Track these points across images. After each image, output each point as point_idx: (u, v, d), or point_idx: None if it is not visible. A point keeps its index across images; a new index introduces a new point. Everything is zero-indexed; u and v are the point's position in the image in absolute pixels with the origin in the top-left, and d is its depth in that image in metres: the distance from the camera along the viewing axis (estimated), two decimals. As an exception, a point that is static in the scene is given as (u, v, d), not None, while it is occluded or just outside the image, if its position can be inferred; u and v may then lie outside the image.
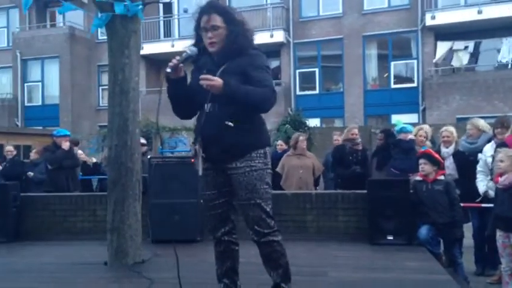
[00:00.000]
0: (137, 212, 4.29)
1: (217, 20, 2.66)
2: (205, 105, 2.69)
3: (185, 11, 20.61)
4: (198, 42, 2.76)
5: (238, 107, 2.59)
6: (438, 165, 4.97)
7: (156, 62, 20.34)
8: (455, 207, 4.76)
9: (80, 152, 8.27)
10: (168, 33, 20.16)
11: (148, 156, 5.86)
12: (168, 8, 20.28)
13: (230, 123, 2.62)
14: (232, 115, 2.62)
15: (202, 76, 2.56)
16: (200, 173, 2.75)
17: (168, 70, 2.64)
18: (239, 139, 2.64)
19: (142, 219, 4.47)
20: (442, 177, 4.90)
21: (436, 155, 5.16)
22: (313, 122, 15.16)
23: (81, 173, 8.22)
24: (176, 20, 20.38)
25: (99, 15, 4.34)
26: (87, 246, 5.18)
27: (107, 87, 4.46)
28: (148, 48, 18.69)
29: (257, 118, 2.77)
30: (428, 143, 6.01)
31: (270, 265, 2.76)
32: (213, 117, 2.66)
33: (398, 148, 5.94)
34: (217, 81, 2.52)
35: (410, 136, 5.97)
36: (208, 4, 2.72)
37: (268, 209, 2.71)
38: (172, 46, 19.60)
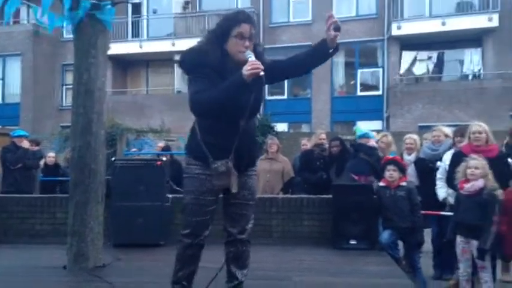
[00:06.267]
0: (99, 215, 4.20)
1: (253, 32, 2.70)
2: (241, 121, 2.69)
3: (154, 12, 20.43)
4: (221, 44, 2.68)
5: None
6: (404, 172, 5.10)
7: (123, 63, 20.04)
8: (416, 213, 4.88)
9: (51, 154, 8.17)
10: (136, 34, 19.90)
11: (112, 158, 5.75)
12: (137, 8, 20.03)
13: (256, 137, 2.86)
14: (255, 128, 2.85)
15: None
16: (236, 190, 2.74)
17: (262, 73, 2.52)
18: (258, 148, 2.87)
19: (105, 223, 4.38)
20: (404, 183, 5.01)
21: (402, 162, 5.29)
22: (281, 127, 15.27)
23: (41, 175, 7.99)
24: (145, 21, 20.16)
25: (65, 13, 4.23)
26: (46, 249, 5.03)
27: (71, 86, 4.37)
28: (116, 49, 18.38)
29: None
30: (394, 147, 6.13)
31: (239, 264, 2.89)
32: (247, 131, 2.74)
33: (361, 151, 6.05)
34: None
35: (372, 142, 6.10)
36: (248, 14, 2.74)
37: None
38: (141, 47, 19.38)
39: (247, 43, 2.65)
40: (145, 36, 19.74)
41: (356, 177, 5.84)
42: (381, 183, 5.14)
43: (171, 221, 5.24)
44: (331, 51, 2.69)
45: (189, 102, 2.64)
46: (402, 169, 5.09)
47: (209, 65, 2.61)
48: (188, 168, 2.79)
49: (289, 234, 5.41)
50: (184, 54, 2.75)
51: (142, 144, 11.41)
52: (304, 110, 18.14)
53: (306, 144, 7.36)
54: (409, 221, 4.82)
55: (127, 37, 19.62)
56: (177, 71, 19.48)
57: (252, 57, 2.57)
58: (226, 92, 2.53)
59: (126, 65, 20.42)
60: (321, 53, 2.72)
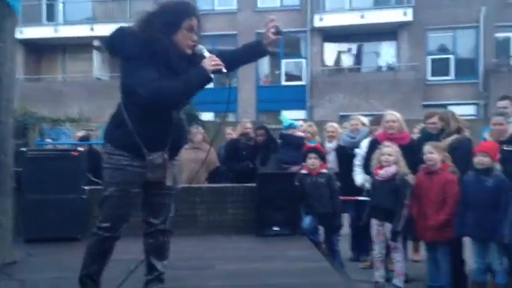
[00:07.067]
0: (8, 209, 3.93)
1: (200, 25, 2.65)
2: (174, 111, 2.67)
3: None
4: (167, 33, 2.54)
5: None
6: (324, 159, 5.26)
7: (36, 47, 18.82)
8: (336, 198, 5.06)
9: None
10: (51, 17, 18.75)
11: (23, 149, 5.38)
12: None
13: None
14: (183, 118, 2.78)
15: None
16: (170, 183, 2.72)
17: (225, 70, 2.53)
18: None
19: (15, 217, 4.11)
20: (325, 170, 5.17)
21: (323, 150, 5.46)
22: (207, 116, 15.14)
23: None
24: (61, 4, 19.04)
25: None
26: None
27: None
28: (29, 33, 17.22)
29: None
30: (317, 137, 6.30)
31: (159, 255, 2.84)
32: (179, 121, 2.72)
33: (288, 142, 6.16)
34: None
35: (300, 133, 6.24)
36: (196, 7, 2.68)
37: None
38: (56, 31, 18.30)
39: (195, 37, 2.62)
40: (61, 20, 18.66)
41: (286, 166, 5.95)
42: (303, 171, 5.27)
43: (88, 213, 5.00)
44: (265, 51, 2.76)
45: (137, 88, 2.47)
46: (323, 157, 5.25)
47: (156, 53, 2.50)
48: (111, 159, 2.62)
49: (214, 223, 5.39)
50: (118, 36, 2.58)
51: (59, 134, 10.78)
52: (230, 99, 18.13)
53: (231, 133, 7.37)
54: (329, 206, 4.98)
55: (41, 21, 18.44)
56: (97, 57, 18.66)
57: (206, 52, 2.58)
58: (188, 84, 2.52)
59: (40, 50, 19.19)
60: (257, 52, 2.80)
